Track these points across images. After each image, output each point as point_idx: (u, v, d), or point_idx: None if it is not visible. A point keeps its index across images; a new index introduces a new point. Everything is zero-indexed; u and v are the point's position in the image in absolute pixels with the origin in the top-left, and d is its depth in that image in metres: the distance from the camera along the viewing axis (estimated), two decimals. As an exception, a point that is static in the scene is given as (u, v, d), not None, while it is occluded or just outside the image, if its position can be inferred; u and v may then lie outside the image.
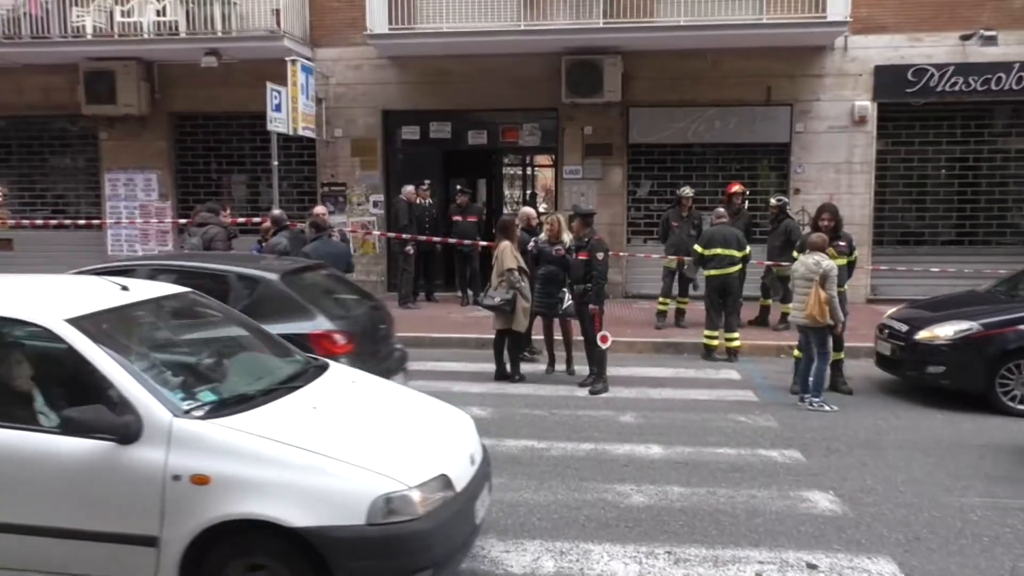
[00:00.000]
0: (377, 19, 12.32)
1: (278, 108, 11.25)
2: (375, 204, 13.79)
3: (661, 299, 11.10)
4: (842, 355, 8.09)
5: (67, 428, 3.53)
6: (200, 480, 3.42)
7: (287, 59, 11.69)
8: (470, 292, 12.66)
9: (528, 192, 20.68)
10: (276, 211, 9.99)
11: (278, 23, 12.48)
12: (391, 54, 13.25)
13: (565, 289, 8.36)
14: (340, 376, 4.61)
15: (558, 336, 8.92)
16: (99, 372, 3.61)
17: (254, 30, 12.69)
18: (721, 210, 10.14)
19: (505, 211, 16.54)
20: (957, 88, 12.35)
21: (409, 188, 12.62)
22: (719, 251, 9.50)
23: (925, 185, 13.09)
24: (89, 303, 4.06)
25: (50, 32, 12.90)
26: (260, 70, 12.20)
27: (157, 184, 14.21)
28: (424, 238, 12.44)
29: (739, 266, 9.59)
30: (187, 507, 3.43)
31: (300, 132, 11.92)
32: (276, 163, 11.59)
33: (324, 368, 4.62)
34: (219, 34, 12.59)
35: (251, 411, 3.74)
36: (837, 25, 11.73)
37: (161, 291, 4.70)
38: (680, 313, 11.13)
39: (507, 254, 8.28)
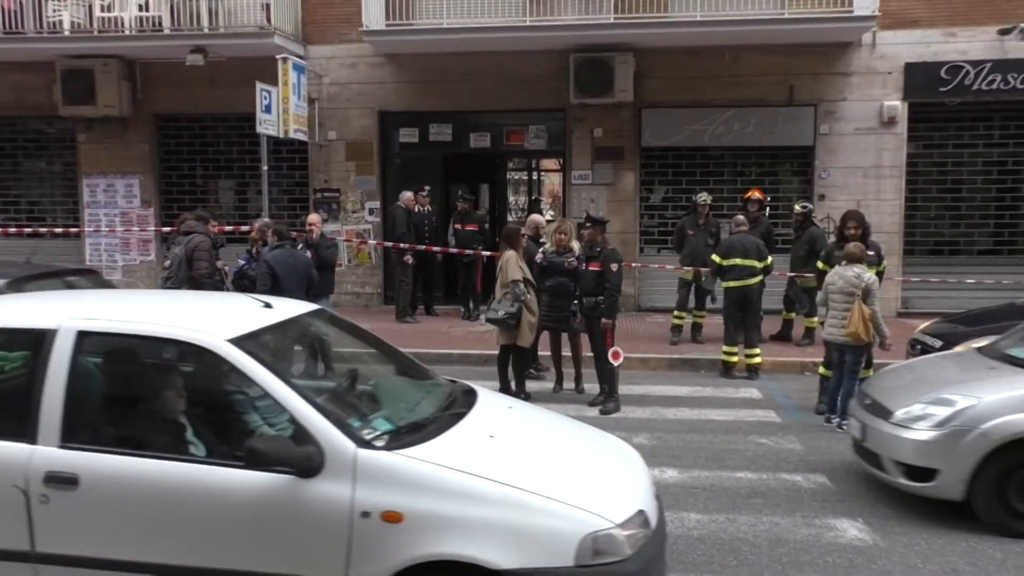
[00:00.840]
0: (373, 14, 12.39)
1: (268, 109, 11.31)
2: (371, 211, 13.83)
3: (676, 312, 11.09)
4: (871, 373, 8.07)
5: (248, 460, 3.44)
6: (392, 517, 3.34)
7: (278, 57, 11.76)
8: (471, 305, 12.66)
9: (534, 198, 20.73)
10: (265, 219, 10.02)
11: (268, 19, 12.57)
12: (388, 51, 13.32)
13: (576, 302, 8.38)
14: (495, 401, 4.59)
15: (566, 352, 8.92)
16: (273, 398, 3.56)
17: (242, 26, 12.78)
18: (741, 217, 10.14)
19: (510, 219, 16.60)
20: (995, 86, 12.36)
21: (408, 194, 12.66)
22: (738, 261, 9.49)
23: (959, 191, 13.08)
24: (243, 322, 4.01)
25: (24, 28, 12.99)
26: (249, 69, 12.27)
27: (139, 190, 14.28)
28: (423, 247, 12.46)
29: (760, 277, 9.58)
30: (378, 547, 3.34)
31: (291, 135, 11.97)
32: (266, 168, 11.63)
33: (472, 391, 4.55)
34: (205, 30, 12.67)
35: (432, 441, 3.68)
36: (865, 20, 11.76)
37: (301, 308, 4.64)
38: (697, 327, 11.12)
39: (512, 264, 8.29)
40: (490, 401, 4.49)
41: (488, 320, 8.49)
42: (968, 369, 6.09)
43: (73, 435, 3.63)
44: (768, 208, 12.39)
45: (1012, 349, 6.13)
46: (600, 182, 13.29)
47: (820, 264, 8.78)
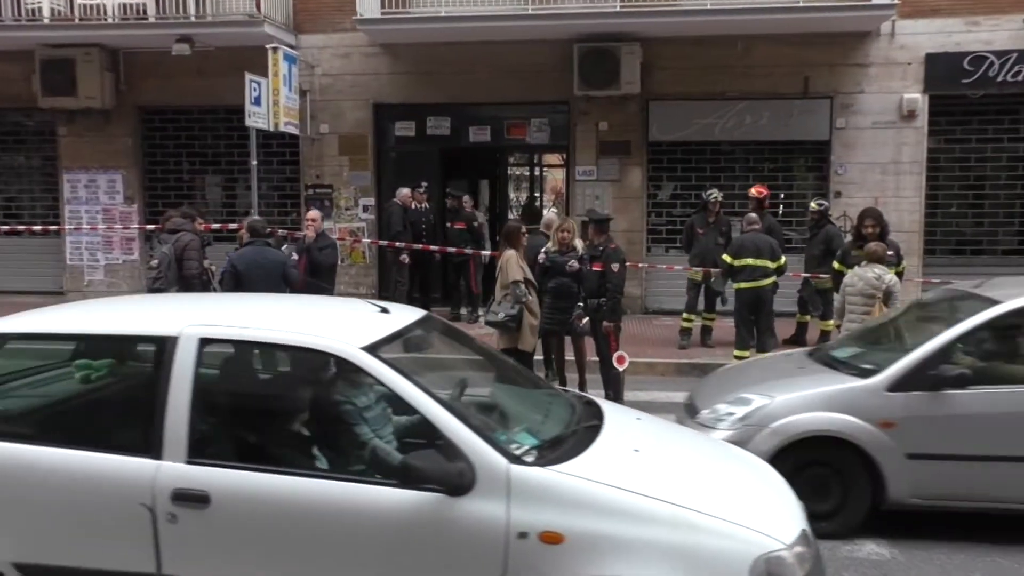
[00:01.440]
0: (368, 2, 12.39)
1: (257, 101, 11.31)
2: (365, 208, 13.84)
3: (685, 315, 11.09)
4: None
5: (402, 477, 3.39)
6: (551, 538, 3.29)
7: (268, 47, 11.77)
8: (468, 307, 12.66)
9: (536, 195, 20.73)
10: (255, 216, 10.03)
11: (258, 7, 12.57)
12: (383, 41, 13.32)
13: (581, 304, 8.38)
14: (619, 411, 4.55)
15: (569, 356, 8.92)
16: (419, 411, 3.52)
17: (231, 14, 12.80)
18: (753, 215, 10.14)
19: (511, 216, 16.59)
20: (1020, 78, 12.34)
21: (405, 191, 12.66)
22: (750, 261, 9.49)
23: (983, 187, 13.08)
24: (370, 328, 3.96)
25: (1, 15, 13.01)
26: (238, 59, 12.27)
27: (122, 185, 14.29)
28: (420, 246, 12.46)
29: (773, 278, 9.58)
30: (535, 569, 3.30)
31: (282, 128, 11.98)
32: (255, 162, 11.64)
33: (591, 401, 4.50)
34: (192, 18, 12.69)
35: (581, 456, 3.62)
36: (883, 8, 11.76)
37: (415, 314, 4.56)
38: (707, 331, 11.12)
39: (512, 264, 8.28)
40: (616, 411, 4.45)
41: (488, 323, 8.49)
42: (782, 369, 6.27)
43: (201, 450, 3.59)
44: (780, 205, 12.38)
45: (836, 351, 6.35)
46: (605, 178, 13.28)
47: (836, 264, 8.78)
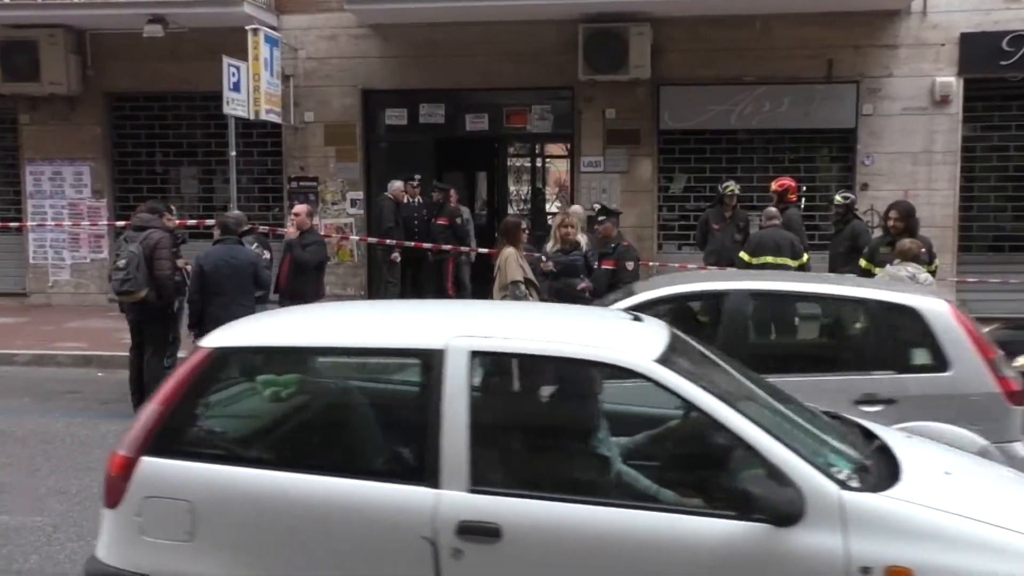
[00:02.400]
0: (356, -21, 12.42)
1: (236, 87, 11.32)
2: (353, 203, 13.85)
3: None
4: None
5: (739, 505, 3.29)
6: (899, 574, 3.22)
7: (247, 28, 11.77)
8: None
9: (538, 187, 20.74)
10: (236, 211, 10.04)
11: (236, -16, 12.58)
12: (373, 22, 13.33)
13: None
14: (884, 427, 4.47)
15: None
16: (730, 431, 3.42)
17: (207, -7, 12.81)
18: (772, 210, 10.16)
19: (510, 211, 16.61)
20: (1063, 60, 12.36)
21: (397, 184, 12.67)
22: (769, 259, 9.51)
23: (1022, 179, 13.09)
24: (647, 338, 3.90)
25: (-41, -6, 13.02)
26: (215, 41, 12.28)
27: (90, 178, 14.30)
28: (412, 243, 12.48)
29: (794, 278, 9.57)
30: None
31: (263, 116, 11.99)
32: (234, 154, 11.64)
33: (839, 416, 4.42)
34: (165, -2, 12.70)
35: (902, 480, 3.55)
36: (913, -15, 11.78)
37: (660, 323, 4.44)
38: (723, 335, 11.11)
39: (511, 263, 8.29)
40: (883, 427, 4.40)
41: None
42: None
43: (485, 477, 3.47)
44: (802, 199, 12.38)
45: None
46: (613, 170, 13.29)
47: (863, 262, 8.78)
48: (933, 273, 8.27)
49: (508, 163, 18.09)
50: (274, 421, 3.96)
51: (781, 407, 3.97)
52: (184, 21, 12.92)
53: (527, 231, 9.07)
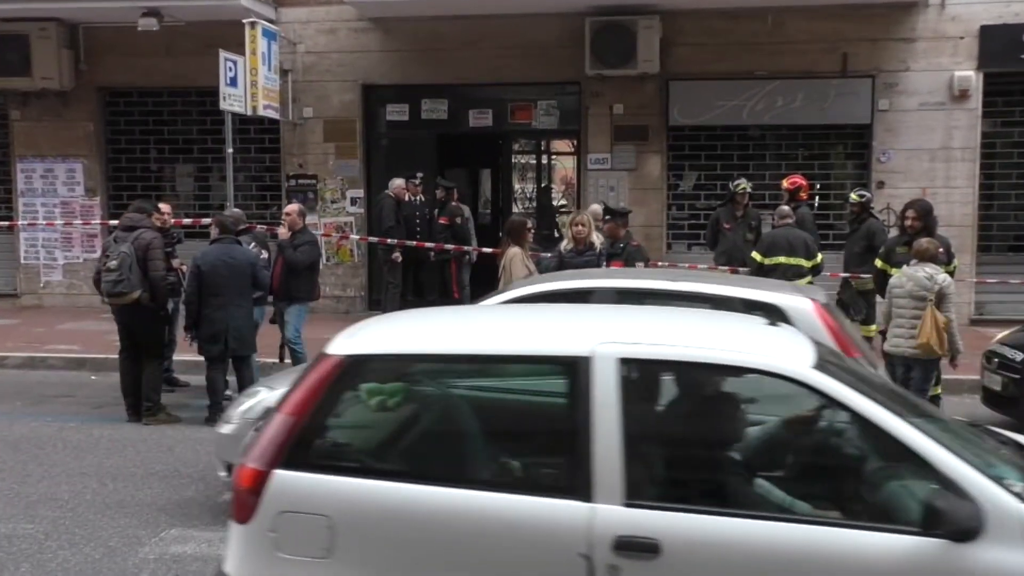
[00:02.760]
0: (356, -29, 12.44)
1: (233, 82, 11.34)
2: (353, 201, 13.86)
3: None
4: (939, 390, 8.06)
5: (927, 522, 3.22)
6: None
7: (245, 21, 11.79)
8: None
9: (543, 185, 20.73)
10: (235, 210, 10.07)
11: (233, -23, 12.60)
12: (373, 15, 13.35)
13: None
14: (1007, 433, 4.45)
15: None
16: (900, 442, 3.36)
17: (203, -15, 12.83)
18: (785, 208, 10.15)
19: (515, 209, 16.61)
20: (1087, 54, 12.34)
21: (399, 182, 12.68)
22: (782, 260, 9.50)
23: (1044, 177, 13.07)
24: (798, 344, 3.87)
25: (-54, -14, 13.04)
26: (211, 35, 12.30)
27: (83, 176, 14.33)
28: (414, 243, 12.48)
29: (808, 278, 9.57)
30: None
31: (260, 112, 12.01)
32: (231, 150, 11.66)
33: (987, 428, 4.40)
34: (160, -10, 12.72)
35: None
36: (930, -24, 11.77)
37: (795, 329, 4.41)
38: (734, 337, 11.10)
39: (516, 264, 8.30)
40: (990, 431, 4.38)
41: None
42: None
43: (640, 490, 3.42)
44: (816, 197, 12.37)
45: None
46: (621, 167, 13.29)
47: (879, 263, 8.77)
48: (951, 274, 8.25)
49: (513, 160, 18.05)
50: (410, 432, 3.92)
51: (931, 417, 3.91)
52: (180, 14, 12.94)
53: (532, 230, 9.08)
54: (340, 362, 3.74)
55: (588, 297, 6.06)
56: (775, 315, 5.50)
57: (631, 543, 3.31)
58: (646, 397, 3.85)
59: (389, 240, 12.41)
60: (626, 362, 3.54)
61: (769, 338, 4.02)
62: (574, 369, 3.55)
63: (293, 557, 3.55)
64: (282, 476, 3.58)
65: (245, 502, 3.62)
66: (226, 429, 6.12)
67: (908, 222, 8.19)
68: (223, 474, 6.03)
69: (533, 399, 4.11)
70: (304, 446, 3.65)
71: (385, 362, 3.94)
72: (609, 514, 3.36)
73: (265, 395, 6.07)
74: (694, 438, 3.87)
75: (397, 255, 12.43)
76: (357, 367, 3.81)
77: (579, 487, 3.40)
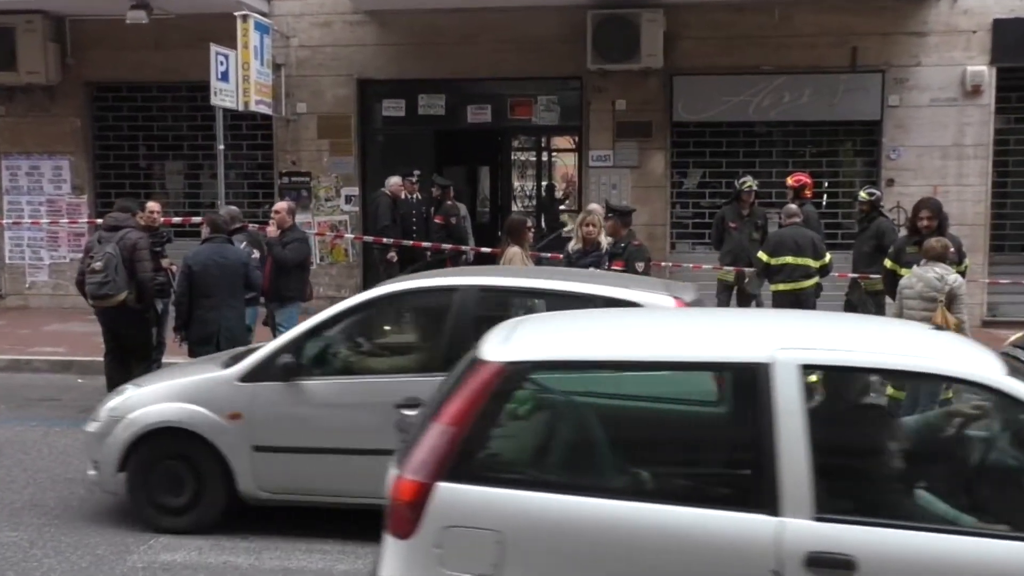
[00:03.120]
0: (351, -37, 12.44)
1: (224, 77, 11.35)
2: (348, 199, 13.86)
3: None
4: (950, 394, 8.04)
5: None
6: None
7: (236, 14, 11.79)
8: None
9: (545, 183, 20.76)
10: (231, 207, 10.07)
11: (225, -32, 12.60)
12: (369, 7, 13.34)
13: None
14: None
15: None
16: None
17: (194, -23, 12.83)
18: (792, 207, 10.16)
19: (514, 207, 16.63)
20: (1104, 48, 12.34)
21: (395, 179, 12.67)
22: (790, 260, 9.51)
23: (1059, 174, 13.07)
24: (979, 351, 3.84)
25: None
26: (202, 28, 12.30)
27: (69, 173, 14.32)
28: (410, 242, 12.49)
29: (815, 279, 9.59)
30: None
31: (252, 107, 12.01)
32: (222, 147, 11.67)
33: None
34: (149, -18, 12.72)
35: None
36: (942, -32, 11.78)
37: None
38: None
39: (516, 263, 8.30)
40: None
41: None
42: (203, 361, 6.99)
43: (829, 503, 3.37)
44: (824, 195, 12.36)
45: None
46: (623, 164, 13.29)
47: (888, 263, 8.78)
48: (962, 274, 8.26)
49: (512, 157, 18.11)
50: (576, 442, 3.89)
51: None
52: (169, 7, 12.91)
53: (532, 229, 9.09)
54: (501, 369, 3.67)
55: (452, 295, 6.21)
56: None
57: (824, 559, 3.27)
58: (828, 405, 3.82)
59: (384, 239, 12.41)
60: (807, 368, 3.52)
61: (949, 344, 3.97)
62: (752, 376, 3.52)
63: (459, 574, 3.50)
64: (447, 489, 3.52)
65: (405, 516, 3.56)
66: (92, 427, 6.26)
67: (923, 223, 8.19)
68: (92, 473, 6.30)
69: (703, 408, 4.08)
70: (467, 458, 3.59)
71: (549, 369, 3.90)
72: (799, 529, 3.31)
73: (132, 392, 6.34)
74: (879, 447, 3.82)
75: (392, 255, 12.43)
76: (519, 374, 3.75)
77: (764, 500, 3.37)
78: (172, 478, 6.06)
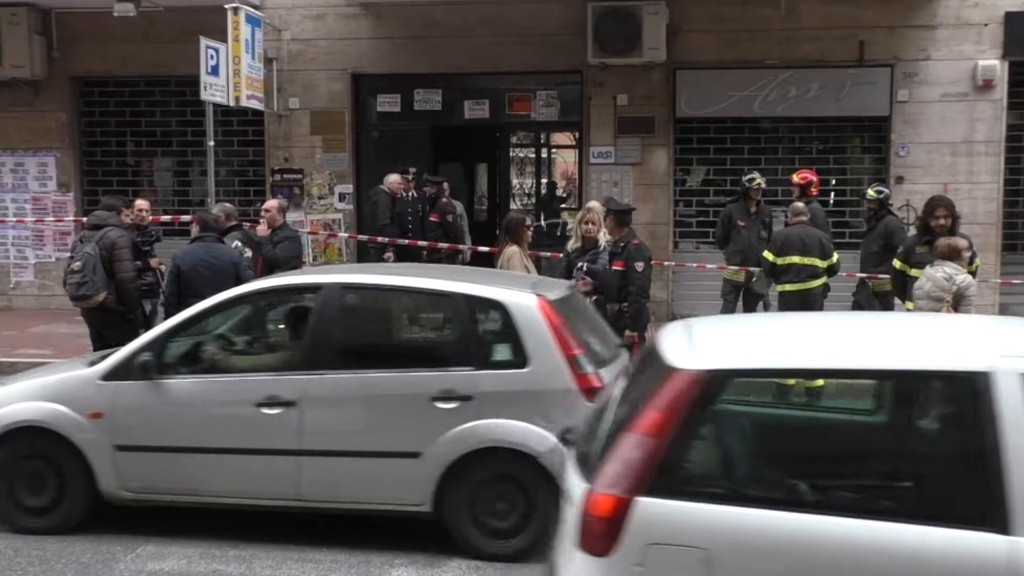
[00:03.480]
0: (345, -46, 12.43)
1: (215, 71, 11.34)
2: (342, 197, 13.86)
3: (720, 323, 11.01)
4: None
5: None
6: None
7: (227, 6, 11.77)
8: None
9: (544, 181, 20.73)
10: (226, 204, 10.06)
11: (215, -41, 12.59)
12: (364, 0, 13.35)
13: None
14: None
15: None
16: None
17: (184, -32, 12.82)
18: (799, 205, 10.13)
19: (512, 205, 16.59)
20: (1119, 41, 12.34)
21: (394, 176, 12.63)
22: (796, 260, 9.49)
23: (1072, 171, 13.08)
24: None
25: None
26: (191, 21, 12.30)
27: (55, 170, 14.31)
28: (406, 241, 12.46)
29: (823, 279, 9.57)
30: None
31: (243, 103, 12.00)
32: (212, 143, 11.65)
33: None
34: (138, -26, 12.71)
35: None
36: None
37: None
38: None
39: (515, 263, 8.30)
40: None
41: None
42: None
43: None
44: (831, 193, 12.35)
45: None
46: (625, 161, 13.30)
47: (897, 263, 8.77)
48: (973, 274, 8.26)
49: (510, 154, 18.05)
50: (780, 453, 3.85)
51: None
52: (158, -1, 12.94)
53: (531, 228, 9.07)
54: (700, 378, 3.59)
55: (314, 293, 6.37)
56: (497, 311, 5.89)
57: None
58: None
59: (380, 239, 12.39)
60: None
61: None
62: (967, 386, 3.44)
63: None
64: (649, 504, 3.45)
65: (602, 532, 3.47)
66: None
67: (939, 221, 8.18)
68: None
69: (908, 419, 4.01)
70: (668, 471, 3.51)
71: (751, 377, 3.85)
72: None
73: None
74: None
75: (389, 254, 12.40)
76: (720, 383, 3.68)
77: (992, 517, 3.30)
78: (34, 478, 6.18)
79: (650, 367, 3.89)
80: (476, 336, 6.09)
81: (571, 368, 5.70)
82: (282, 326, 6.81)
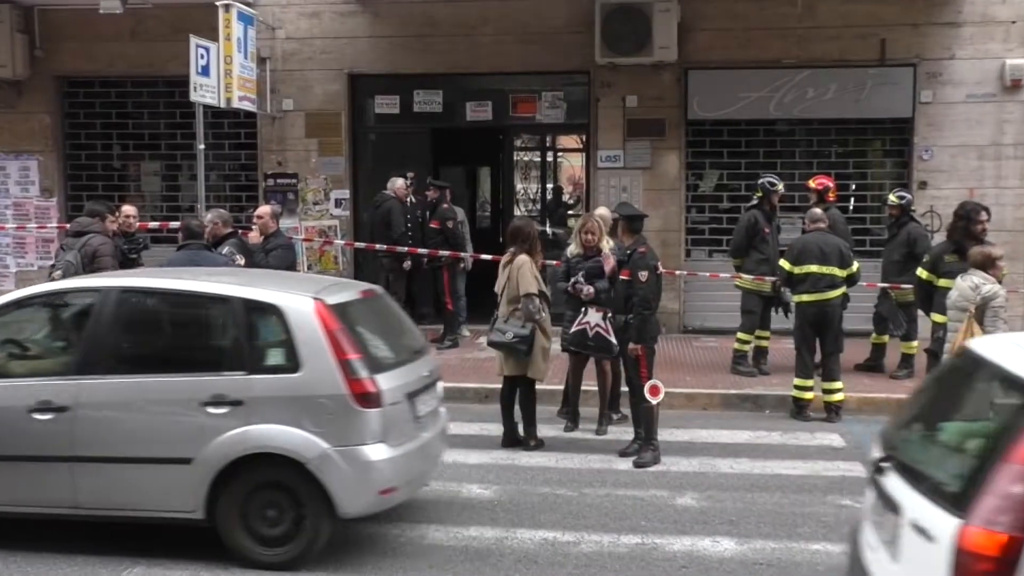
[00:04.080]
0: (342, -51, 12.49)
1: (205, 71, 11.37)
2: (338, 203, 13.87)
3: (746, 335, 10.92)
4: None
5: None
6: None
7: (218, 4, 11.80)
8: (451, 336, 12.61)
9: (550, 186, 20.76)
10: (220, 210, 10.08)
11: (206, -46, 12.64)
12: (361, -4, 13.40)
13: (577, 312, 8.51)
14: None
15: (590, 385, 8.97)
16: None
17: (173, -36, 12.87)
18: (817, 211, 10.12)
19: (516, 212, 16.63)
20: None
21: (400, 182, 12.65)
22: (814, 269, 9.48)
23: (1104, 176, 13.07)
24: None
25: None
26: (181, 19, 12.35)
27: (38, 174, 14.34)
28: (406, 249, 12.47)
29: (842, 289, 9.58)
30: None
31: (235, 104, 12.02)
32: (202, 146, 11.67)
33: None
34: (125, -31, 12.76)
35: None
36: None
37: None
38: (760, 353, 11.10)
39: (526, 273, 8.29)
40: None
41: (491, 344, 8.50)
42: None
43: None
44: (851, 199, 12.35)
45: None
46: (634, 165, 13.31)
47: (923, 273, 8.77)
48: (1000, 283, 8.27)
49: (514, 158, 18.10)
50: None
51: None
52: (146, -4, 12.98)
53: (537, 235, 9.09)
54: None
55: (93, 296, 6.43)
56: (274, 315, 5.99)
57: None
58: None
59: (378, 246, 12.40)
60: None
61: None
62: None
63: None
64: None
65: (989, 573, 3.42)
66: None
67: (980, 227, 8.19)
68: None
69: None
70: None
71: None
72: None
73: None
74: None
75: (408, 263, 12.38)
76: None
77: None
78: None
79: (986, 383, 3.87)
80: (251, 340, 6.19)
81: (344, 373, 5.83)
82: (60, 330, 6.91)
